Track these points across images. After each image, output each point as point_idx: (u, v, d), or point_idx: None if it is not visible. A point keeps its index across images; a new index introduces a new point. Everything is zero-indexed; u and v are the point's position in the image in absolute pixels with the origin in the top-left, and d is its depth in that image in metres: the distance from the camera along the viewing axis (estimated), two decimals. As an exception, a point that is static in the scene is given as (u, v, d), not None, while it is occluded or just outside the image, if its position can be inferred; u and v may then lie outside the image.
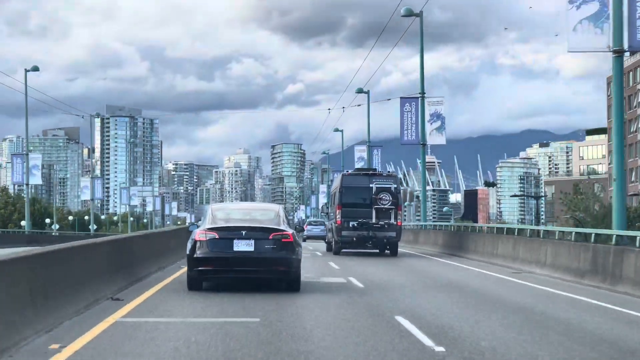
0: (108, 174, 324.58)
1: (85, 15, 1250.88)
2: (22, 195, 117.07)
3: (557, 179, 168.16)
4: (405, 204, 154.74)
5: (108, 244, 16.45)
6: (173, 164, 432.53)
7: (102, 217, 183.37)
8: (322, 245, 41.42)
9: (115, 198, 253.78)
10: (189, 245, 15.99)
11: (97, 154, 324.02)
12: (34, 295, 10.66)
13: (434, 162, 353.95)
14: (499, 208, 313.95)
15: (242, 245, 15.55)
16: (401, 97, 45.20)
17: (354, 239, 32.05)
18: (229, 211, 17.57)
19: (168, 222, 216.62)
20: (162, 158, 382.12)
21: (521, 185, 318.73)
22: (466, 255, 30.86)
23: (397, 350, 9.69)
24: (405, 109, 44.07)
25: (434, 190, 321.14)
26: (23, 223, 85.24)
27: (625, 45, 22.29)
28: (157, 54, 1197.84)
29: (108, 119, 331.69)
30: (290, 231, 16.01)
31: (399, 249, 33.56)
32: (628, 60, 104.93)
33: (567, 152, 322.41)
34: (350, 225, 31.86)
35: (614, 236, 19.69)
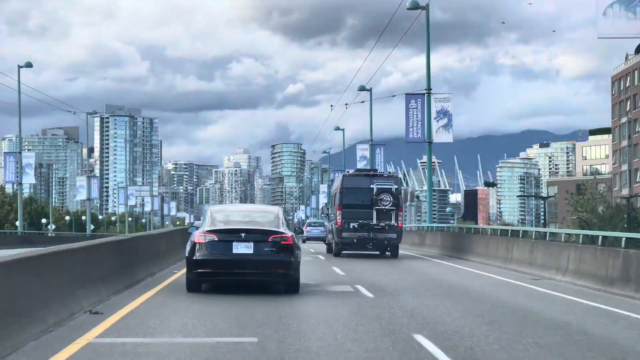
0: (107, 174, 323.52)
1: (85, 15, 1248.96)
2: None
3: (561, 179, 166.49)
4: (407, 204, 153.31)
5: (90, 248, 14.74)
6: (173, 164, 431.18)
7: (100, 217, 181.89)
8: (323, 248, 40.08)
9: (115, 198, 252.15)
10: (188, 247, 15.89)
11: (97, 153, 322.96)
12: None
13: (434, 162, 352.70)
14: (499, 208, 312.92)
15: (241, 248, 15.50)
16: (407, 94, 43.38)
17: (355, 240, 31.78)
18: (228, 213, 17.29)
19: (167, 222, 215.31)
20: (162, 158, 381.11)
21: (521, 185, 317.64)
22: (477, 259, 29.19)
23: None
24: (411, 105, 42.30)
25: (434, 190, 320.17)
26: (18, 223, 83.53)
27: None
28: (157, 53, 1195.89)
29: (107, 118, 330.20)
30: (289, 234, 15.94)
31: (402, 252, 32.81)
32: (633, 59, 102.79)
33: (568, 153, 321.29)
34: (351, 227, 31.59)
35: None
